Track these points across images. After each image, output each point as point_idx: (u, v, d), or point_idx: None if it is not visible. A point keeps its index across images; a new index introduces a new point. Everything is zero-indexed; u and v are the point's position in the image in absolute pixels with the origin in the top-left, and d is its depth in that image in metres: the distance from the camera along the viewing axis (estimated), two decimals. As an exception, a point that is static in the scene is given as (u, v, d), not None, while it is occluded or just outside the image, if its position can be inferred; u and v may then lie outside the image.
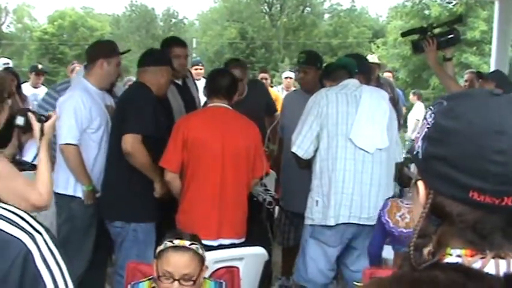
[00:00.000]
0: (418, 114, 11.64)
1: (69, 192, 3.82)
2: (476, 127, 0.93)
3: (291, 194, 4.58)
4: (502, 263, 0.95)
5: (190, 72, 4.88)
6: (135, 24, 43.03)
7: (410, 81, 20.49)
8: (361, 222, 3.61)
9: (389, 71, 10.08)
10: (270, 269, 4.40)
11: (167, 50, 4.36)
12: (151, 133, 3.59)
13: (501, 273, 0.94)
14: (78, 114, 3.75)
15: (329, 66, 4.22)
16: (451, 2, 18.64)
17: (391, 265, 3.63)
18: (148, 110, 3.62)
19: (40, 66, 8.16)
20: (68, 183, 3.81)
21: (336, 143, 3.62)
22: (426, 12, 19.53)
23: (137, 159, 3.58)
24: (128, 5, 44.39)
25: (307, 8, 40.01)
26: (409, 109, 12.12)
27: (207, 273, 2.80)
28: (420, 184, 1.01)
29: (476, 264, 0.95)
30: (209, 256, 3.02)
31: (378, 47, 26.39)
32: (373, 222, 3.63)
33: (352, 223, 3.62)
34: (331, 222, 3.61)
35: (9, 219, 1.20)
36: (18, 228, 1.19)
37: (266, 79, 8.12)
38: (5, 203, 1.27)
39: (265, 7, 40.07)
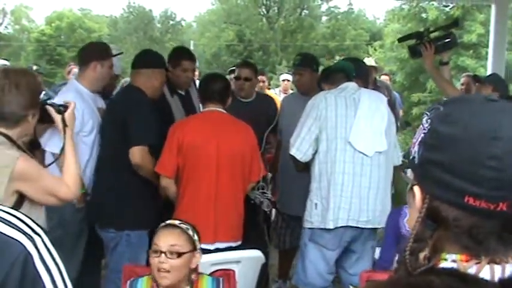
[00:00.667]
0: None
1: None
2: (472, 133, 0.93)
3: (288, 197, 4.58)
4: (497, 268, 0.95)
5: (194, 82, 4.84)
6: (133, 26, 43.01)
7: (407, 84, 20.51)
8: (359, 226, 3.61)
9: (386, 74, 10.08)
10: (267, 272, 4.40)
11: (175, 62, 4.31)
12: (156, 141, 3.59)
13: (496, 279, 0.95)
14: None
15: (327, 69, 4.23)
16: (448, 6, 18.67)
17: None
18: (151, 119, 3.60)
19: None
20: None
21: (335, 146, 3.63)
22: (423, 15, 19.56)
23: (146, 169, 3.60)
24: (126, 7, 44.49)
25: (305, 11, 40.04)
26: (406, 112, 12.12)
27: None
28: (416, 189, 1.01)
29: (472, 269, 0.95)
30: (206, 259, 3.04)
31: (375, 49, 26.42)
32: (371, 226, 3.64)
33: (351, 226, 3.63)
34: (330, 226, 3.61)
35: (8, 221, 1.20)
36: (17, 230, 1.19)
37: (264, 82, 8.11)
38: (2, 205, 1.27)
39: (263, 9, 40.07)
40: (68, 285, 1.23)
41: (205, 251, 3.04)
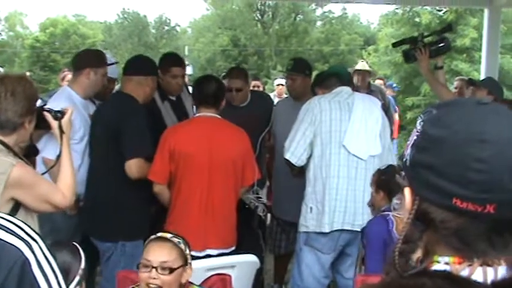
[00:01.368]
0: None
1: None
2: (460, 135, 0.94)
3: (283, 202, 4.56)
4: (490, 271, 0.96)
5: (186, 86, 4.78)
6: (127, 32, 42.98)
7: (401, 88, 20.54)
8: (355, 229, 3.62)
9: (380, 78, 10.13)
10: (262, 277, 4.40)
11: (165, 68, 4.23)
12: (151, 151, 3.55)
13: (489, 281, 0.95)
14: None
15: (321, 74, 4.26)
16: (441, 10, 18.72)
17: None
18: (145, 129, 3.55)
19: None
20: None
21: (329, 150, 3.64)
22: (417, 19, 19.59)
23: (145, 179, 3.56)
24: (120, 13, 44.45)
25: (299, 16, 40.09)
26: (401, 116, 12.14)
27: (198, 281, 2.82)
28: (407, 191, 1.02)
29: (464, 271, 0.96)
30: (201, 264, 3.04)
31: (369, 54, 26.43)
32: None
33: (346, 230, 3.64)
34: (326, 229, 3.62)
35: (5, 227, 1.20)
36: (14, 236, 1.19)
37: (258, 86, 8.12)
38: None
39: (258, 14, 40.11)
40: (64, 290, 1.24)
41: (195, 258, 3.01)
